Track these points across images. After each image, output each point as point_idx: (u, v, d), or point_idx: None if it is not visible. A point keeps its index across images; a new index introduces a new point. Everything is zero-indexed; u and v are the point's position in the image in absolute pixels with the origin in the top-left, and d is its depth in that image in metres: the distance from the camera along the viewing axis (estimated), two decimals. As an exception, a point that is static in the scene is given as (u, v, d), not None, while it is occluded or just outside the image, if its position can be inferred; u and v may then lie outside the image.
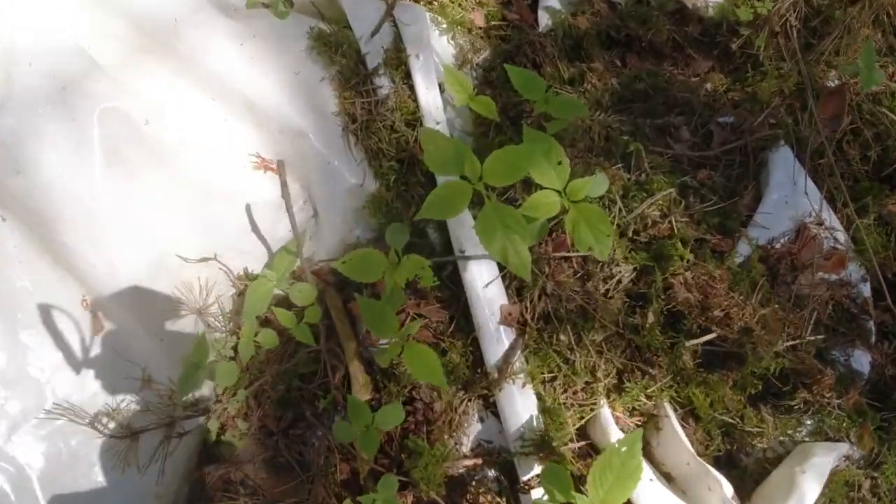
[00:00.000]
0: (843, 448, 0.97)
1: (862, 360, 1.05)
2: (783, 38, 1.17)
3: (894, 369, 1.05)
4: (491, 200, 0.86)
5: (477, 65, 1.19)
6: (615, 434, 0.97)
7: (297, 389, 1.09)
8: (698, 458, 0.93)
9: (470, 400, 1.07)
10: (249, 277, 1.11)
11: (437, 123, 1.06)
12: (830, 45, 1.17)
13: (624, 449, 0.84)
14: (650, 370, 1.00)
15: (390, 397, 1.09)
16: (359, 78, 1.09)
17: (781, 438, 1.01)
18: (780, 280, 1.06)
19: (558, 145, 0.92)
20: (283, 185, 1.03)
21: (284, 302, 1.11)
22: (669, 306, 1.01)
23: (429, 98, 1.07)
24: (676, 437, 0.96)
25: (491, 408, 1.07)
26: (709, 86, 1.17)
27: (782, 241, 1.09)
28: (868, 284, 1.09)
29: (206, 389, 1.09)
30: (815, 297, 1.05)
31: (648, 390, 1.00)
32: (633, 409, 1.02)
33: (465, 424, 1.07)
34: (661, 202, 1.05)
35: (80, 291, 1.04)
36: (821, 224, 1.09)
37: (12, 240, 1.00)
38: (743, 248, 1.06)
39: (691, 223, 1.05)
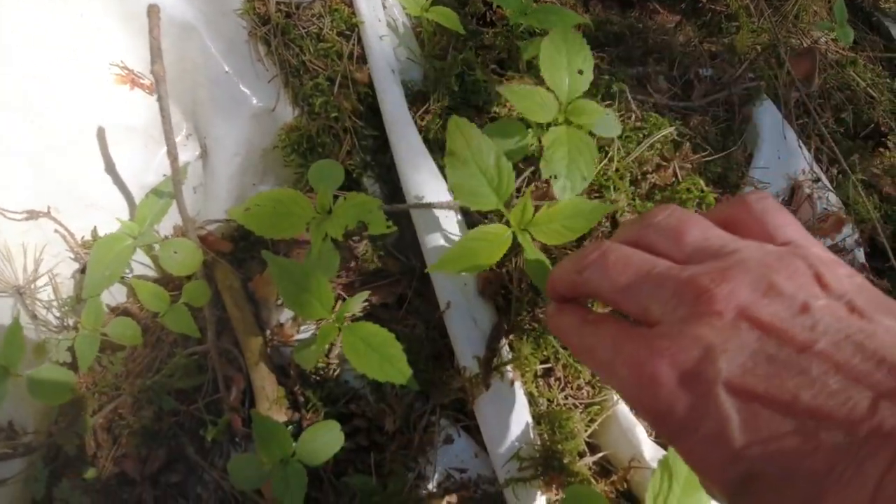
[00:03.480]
0: None
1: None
2: (749, -4, 1.09)
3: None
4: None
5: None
6: (643, 437, 0.71)
7: (173, 414, 0.70)
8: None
9: (434, 412, 0.76)
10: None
11: (382, 38, 0.80)
12: (792, 9, 1.12)
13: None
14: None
15: (317, 415, 0.74)
16: (272, -27, 0.80)
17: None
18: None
19: (589, 51, 0.69)
20: (154, 48, 0.65)
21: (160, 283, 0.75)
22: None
23: (369, 4, 0.81)
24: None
25: (463, 422, 0.77)
26: (681, 37, 1.04)
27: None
28: (862, 250, 0.97)
29: (31, 415, 0.66)
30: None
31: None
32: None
33: (429, 448, 0.75)
34: (659, 145, 0.86)
35: None
36: (817, 181, 0.97)
37: None
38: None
39: (693, 173, 0.87)
